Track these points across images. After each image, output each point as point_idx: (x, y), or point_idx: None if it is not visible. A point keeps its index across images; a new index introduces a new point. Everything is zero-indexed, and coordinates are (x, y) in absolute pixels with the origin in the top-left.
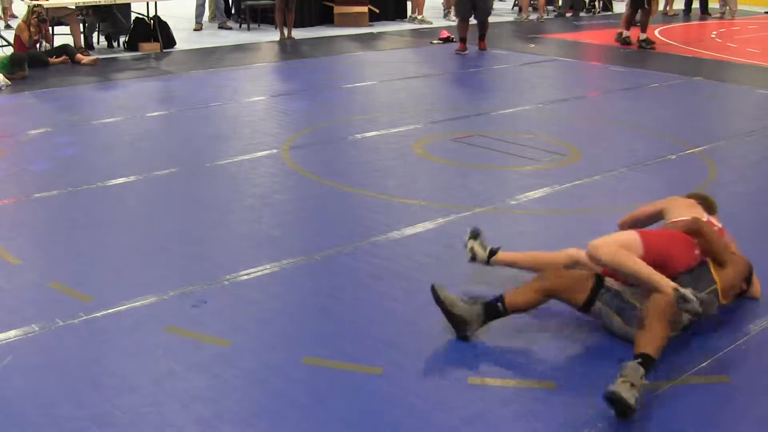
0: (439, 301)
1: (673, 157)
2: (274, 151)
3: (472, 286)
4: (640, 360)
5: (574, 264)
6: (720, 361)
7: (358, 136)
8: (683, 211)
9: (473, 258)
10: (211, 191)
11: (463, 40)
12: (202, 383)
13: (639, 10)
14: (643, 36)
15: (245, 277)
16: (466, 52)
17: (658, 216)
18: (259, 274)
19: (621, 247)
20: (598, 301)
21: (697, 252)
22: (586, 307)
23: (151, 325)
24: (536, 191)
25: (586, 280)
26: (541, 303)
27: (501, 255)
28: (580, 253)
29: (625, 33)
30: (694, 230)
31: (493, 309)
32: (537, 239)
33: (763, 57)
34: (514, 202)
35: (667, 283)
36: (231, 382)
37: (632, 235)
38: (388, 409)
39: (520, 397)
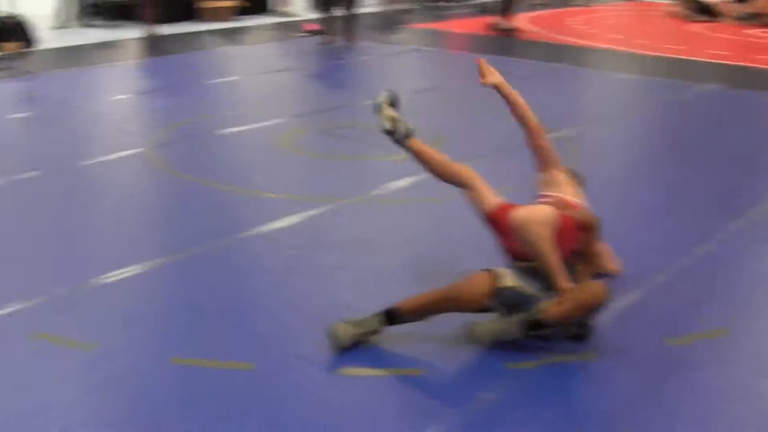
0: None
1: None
2: (140, 149)
3: (342, 276)
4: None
5: (462, 184)
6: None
7: (225, 131)
8: (571, 191)
9: (392, 130)
10: (76, 193)
11: (328, 33)
12: (69, 389)
13: None
14: (506, 24)
15: (112, 279)
16: (332, 43)
17: (544, 159)
18: (126, 275)
19: (546, 227)
20: (497, 305)
21: (574, 246)
22: (482, 311)
23: (15, 332)
24: (402, 180)
25: (482, 295)
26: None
27: (416, 140)
28: (474, 181)
29: (498, 20)
30: (590, 227)
31: (390, 320)
32: (405, 227)
33: (624, 43)
34: (380, 192)
35: (564, 285)
36: (99, 387)
37: (556, 215)
38: (261, 404)
39: (388, 385)
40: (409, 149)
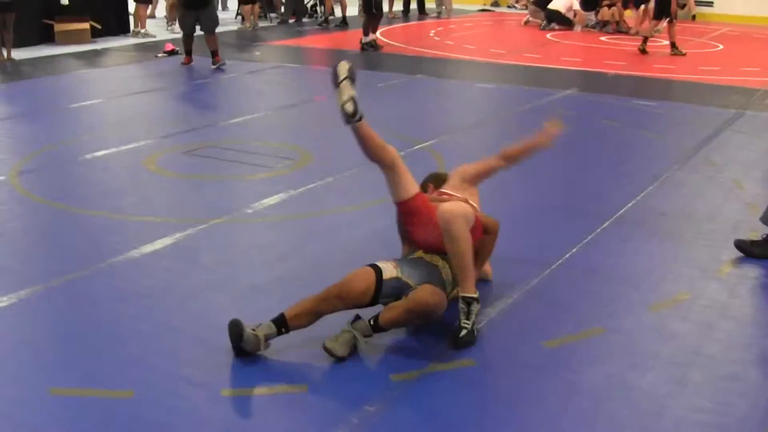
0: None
1: (402, 153)
2: (2, 177)
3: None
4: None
5: (388, 164)
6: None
7: (88, 156)
8: (476, 200)
9: (354, 113)
10: None
11: (188, 53)
12: None
13: (367, 15)
14: (366, 39)
15: None
16: (192, 64)
17: (481, 178)
18: None
19: (468, 224)
20: (381, 297)
21: (476, 246)
22: (369, 305)
23: None
24: (272, 198)
25: (367, 288)
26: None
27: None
28: (399, 162)
29: (366, 38)
30: (494, 230)
31: (279, 327)
32: (277, 244)
33: (479, 53)
34: (250, 211)
35: (471, 288)
36: None
37: (473, 214)
38: (143, 430)
39: (273, 403)
40: (357, 129)
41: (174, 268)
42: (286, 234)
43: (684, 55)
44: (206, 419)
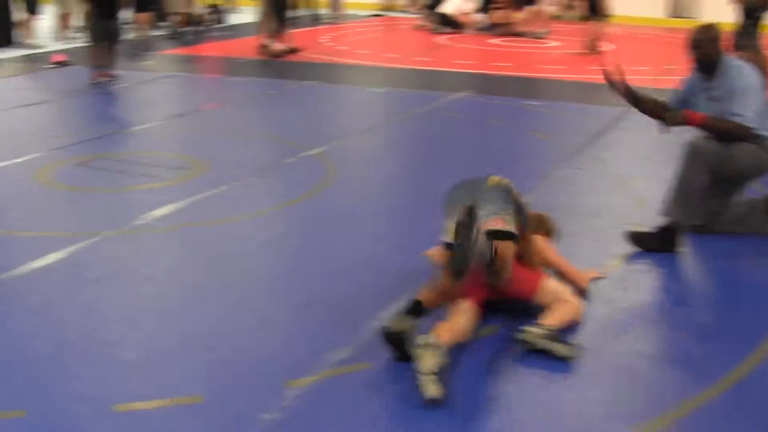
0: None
1: (294, 160)
2: None
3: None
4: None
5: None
6: (361, 349)
7: None
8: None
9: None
10: None
11: (101, 67)
12: None
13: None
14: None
15: None
16: (110, 79)
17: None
18: None
19: None
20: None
21: None
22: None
23: None
24: (162, 208)
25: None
26: None
27: None
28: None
29: (268, 42)
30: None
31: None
32: (167, 256)
33: (373, 58)
34: (141, 222)
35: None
36: None
37: None
38: None
39: (169, 415)
40: None
41: (64, 283)
42: (179, 245)
43: (588, 54)
44: None
